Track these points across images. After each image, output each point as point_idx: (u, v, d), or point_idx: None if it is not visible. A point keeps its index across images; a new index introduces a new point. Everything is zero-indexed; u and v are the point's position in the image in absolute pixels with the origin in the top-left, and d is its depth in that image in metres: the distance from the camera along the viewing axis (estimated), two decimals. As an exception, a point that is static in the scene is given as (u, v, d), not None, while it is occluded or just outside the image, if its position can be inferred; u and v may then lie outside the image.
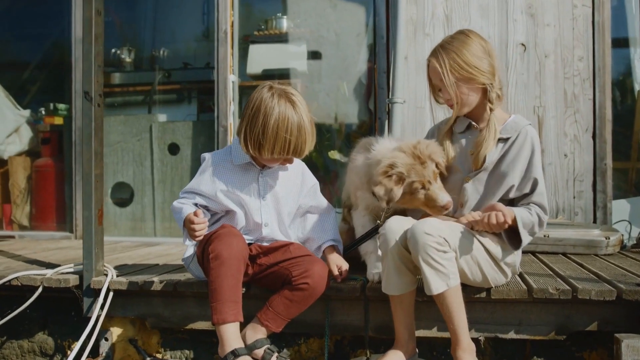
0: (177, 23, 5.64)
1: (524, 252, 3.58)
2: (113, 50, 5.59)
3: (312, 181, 2.95)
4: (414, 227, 2.41)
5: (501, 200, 2.59)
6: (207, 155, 2.79)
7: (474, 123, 2.68)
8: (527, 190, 2.58)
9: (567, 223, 4.05)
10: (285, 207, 2.81)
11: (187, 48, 5.65)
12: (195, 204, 2.72)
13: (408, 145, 2.55)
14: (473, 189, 2.63)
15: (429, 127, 3.15)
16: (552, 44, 4.42)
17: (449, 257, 2.39)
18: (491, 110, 2.62)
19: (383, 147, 2.66)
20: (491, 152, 2.60)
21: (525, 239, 2.52)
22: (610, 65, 4.40)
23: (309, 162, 4.94)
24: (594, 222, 4.35)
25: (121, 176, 5.25)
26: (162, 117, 5.33)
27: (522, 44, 4.46)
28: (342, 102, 5.02)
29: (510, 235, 2.54)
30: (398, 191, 2.51)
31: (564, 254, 3.65)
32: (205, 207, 2.75)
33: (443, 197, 2.51)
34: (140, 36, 5.76)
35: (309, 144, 2.64)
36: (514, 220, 2.47)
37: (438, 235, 2.36)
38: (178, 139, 5.13)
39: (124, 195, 5.28)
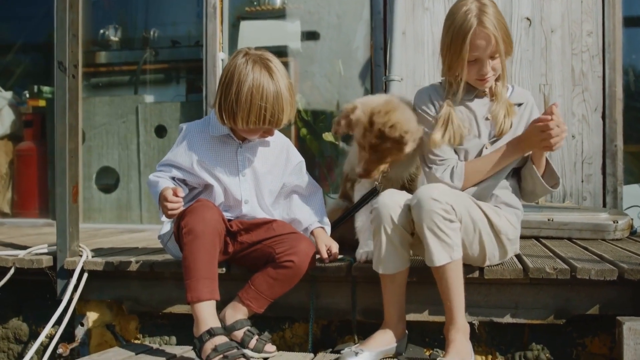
0: (171, 2, 5.62)
1: (526, 237, 3.59)
2: (101, 31, 5.58)
3: (298, 159, 2.92)
4: (420, 193, 2.38)
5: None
6: (184, 126, 2.78)
7: (483, 89, 2.68)
8: None
9: (574, 207, 4.02)
10: (267, 185, 2.79)
11: (179, 27, 5.61)
12: (173, 178, 2.70)
13: (374, 104, 2.61)
14: None
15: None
16: (559, 18, 4.38)
17: (454, 227, 2.36)
18: (499, 79, 2.66)
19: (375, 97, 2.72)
20: (514, 118, 2.66)
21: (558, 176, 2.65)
22: (622, 41, 4.35)
23: (303, 145, 4.97)
24: (604, 207, 4.31)
25: (106, 160, 5.24)
26: (149, 98, 5.32)
27: (527, 18, 4.41)
28: (340, 83, 4.99)
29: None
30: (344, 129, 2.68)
31: (570, 239, 3.61)
32: (183, 181, 2.73)
33: (358, 168, 2.67)
34: (129, 14, 5.74)
35: (288, 113, 2.60)
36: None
37: (445, 202, 2.33)
38: (165, 121, 5.12)
39: (109, 181, 5.27)
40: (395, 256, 2.48)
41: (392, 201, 2.46)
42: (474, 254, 2.53)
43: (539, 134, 2.48)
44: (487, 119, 2.67)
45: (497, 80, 2.66)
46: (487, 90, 2.68)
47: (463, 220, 2.42)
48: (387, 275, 2.52)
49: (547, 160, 2.64)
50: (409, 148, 2.60)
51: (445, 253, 2.34)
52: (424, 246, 2.37)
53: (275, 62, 2.60)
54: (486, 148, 2.65)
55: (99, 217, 5.20)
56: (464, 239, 2.45)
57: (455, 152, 2.66)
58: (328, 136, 4.87)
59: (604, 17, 4.34)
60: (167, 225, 2.79)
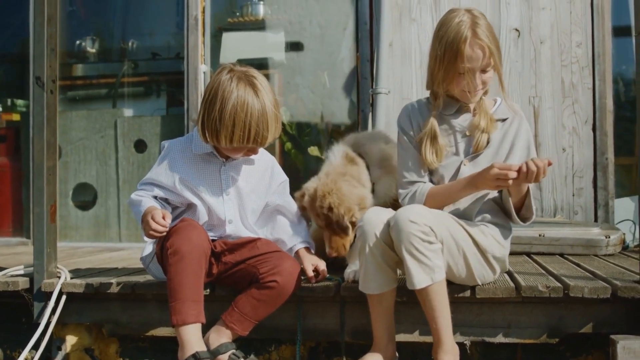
0: (149, 12, 5.63)
1: (517, 254, 3.62)
2: (78, 42, 5.57)
3: (282, 178, 2.93)
4: (398, 214, 2.39)
5: None
6: (166, 143, 2.78)
7: (468, 104, 2.68)
8: None
9: (565, 222, 4.06)
10: (250, 204, 2.79)
11: (158, 38, 5.64)
12: (155, 197, 2.70)
13: (317, 185, 2.73)
14: (471, 172, 2.61)
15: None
16: (548, 29, 4.45)
17: (434, 248, 2.37)
18: (486, 93, 2.68)
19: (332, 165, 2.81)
20: (494, 133, 2.64)
21: (534, 213, 2.60)
22: (611, 52, 4.43)
23: (288, 160, 4.98)
24: (595, 221, 4.36)
25: (83, 176, 5.22)
26: (128, 112, 5.32)
27: (516, 29, 4.48)
28: (324, 95, 5.02)
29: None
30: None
31: (561, 255, 3.65)
32: (166, 200, 2.73)
33: (327, 248, 2.79)
34: (108, 26, 5.74)
35: (273, 131, 2.61)
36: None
37: (424, 224, 2.34)
38: (145, 135, 5.11)
39: (86, 198, 5.24)
40: (380, 275, 2.48)
41: (377, 218, 2.47)
42: (461, 274, 2.55)
43: (494, 180, 2.44)
44: (466, 134, 2.67)
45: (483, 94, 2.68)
46: (471, 105, 2.68)
47: (445, 241, 2.43)
48: (374, 295, 2.53)
49: (528, 191, 2.56)
50: (353, 223, 2.71)
51: (425, 275, 2.35)
52: (404, 269, 2.39)
53: (261, 79, 2.61)
54: (464, 165, 2.64)
55: (76, 235, 5.17)
56: (448, 260, 2.46)
57: (434, 170, 2.68)
58: (314, 150, 4.89)
59: (594, 28, 4.42)
60: (149, 247, 2.78)
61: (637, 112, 2.64)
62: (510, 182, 2.41)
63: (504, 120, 2.68)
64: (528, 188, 2.54)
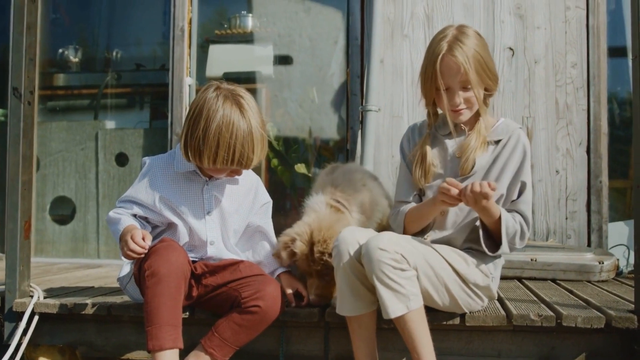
0: (135, 22, 5.59)
1: (508, 278, 3.60)
2: (60, 51, 5.53)
3: (266, 199, 2.92)
4: (368, 242, 2.36)
5: None
6: (147, 160, 2.74)
7: (461, 125, 2.66)
8: (514, 196, 2.57)
9: (558, 246, 4.04)
10: (232, 224, 2.76)
11: (144, 48, 5.61)
12: (134, 215, 2.66)
13: (312, 229, 2.65)
14: None
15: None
16: (543, 48, 4.46)
17: (407, 275, 2.33)
18: (483, 114, 2.63)
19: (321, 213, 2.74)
20: (482, 156, 2.59)
21: (505, 245, 2.47)
22: (606, 73, 4.43)
23: (274, 177, 4.95)
24: (589, 245, 4.34)
25: (62, 190, 5.16)
26: (109, 124, 5.27)
27: (510, 48, 4.48)
28: (313, 111, 4.99)
29: (488, 243, 2.52)
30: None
31: (554, 280, 3.63)
32: (145, 219, 2.69)
33: (311, 295, 2.70)
34: (92, 34, 5.70)
35: (258, 154, 2.57)
36: (497, 222, 2.45)
37: (394, 252, 2.31)
38: (127, 149, 5.07)
39: (64, 212, 5.19)
40: (356, 297, 2.45)
41: (352, 237, 2.44)
42: (445, 302, 2.51)
43: (440, 195, 2.41)
44: (456, 156, 2.64)
45: (480, 115, 2.65)
46: (465, 125, 2.65)
47: (421, 269, 2.39)
48: (352, 318, 2.49)
49: (500, 220, 2.46)
50: None
51: (400, 304, 2.31)
52: (378, 298, 2.34)
53: (248, 99, 2.58)
54: None
55: (53, 251, 5.10)
56: (428, 287, 2.43)
57: (425, 191, 2.66)
58: (300, 167, 4.86)
59: (589, 48, 4.43)
60: (126, 267, 2.74)
61: (633, 135, 2.62)
62: (455, 200, 2.37)
63: (497, 142, 2.63)
64: (500, 218, 2.45)
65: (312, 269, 2.64)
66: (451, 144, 2.67)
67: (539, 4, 4.48)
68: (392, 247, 2.32)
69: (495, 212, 2.44)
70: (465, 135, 2.65)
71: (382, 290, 2.30)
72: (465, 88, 2.53)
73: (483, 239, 2.51)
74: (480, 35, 2.59)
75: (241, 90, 2.60)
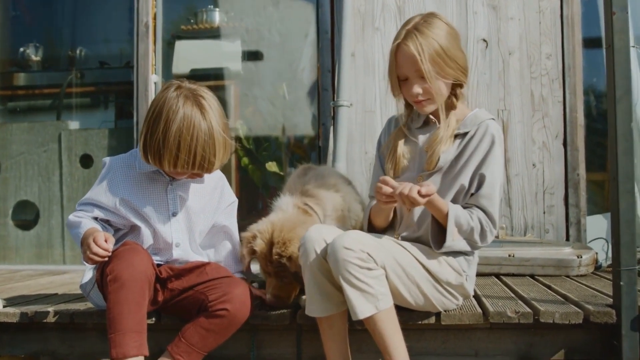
0: (100, 18, 5.52)
1: (486, 275, 3.59)
2: (21, 49, 5.45)
3: (232, 198, 2.88)
4: (333, 241, 2.32)
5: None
6: (107, 160, 2.69)
7: (432, 118, 2.63)
8: (472, 189, 2.52)
9: (535, 241, 4.05)
10: (198, 225, 2.73)
11: (108, 46, 5.56)
12: (95, 218, 2.61)
13: (273, 229, 2.61)
14: None
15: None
16: (517, 39, 4.47)
17: (375, 274, 2.30)
18: (454, 107, 2.60)
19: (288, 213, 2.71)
20: (447, 151, 2.55)
21: (451, 240, 2.42)
22: (582, 64, 4.45)
23: (244, 176, 4.91)
24: (567, 240, 4.36)
25: (24, 194, 5.10)
26: (73, 124, 5.22)
27: (484, 40, 4.49)
28: (285, 107, 4.96)
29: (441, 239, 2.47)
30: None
31: (532, 276, 3.63)
32: (107, 222, 2.64)
33: (268, 295, 2.66)
34: (53, 31, 5.63)
35: (220, 158, 2.53)
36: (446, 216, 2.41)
37: (360, 250, 2.27)
38: (92, 150, 5.01)
39: (27, 217, 5.12)
40: (325, 297, 2.41)
41: (319, 235, 2.40)
42: (418, 302, 2.49)
43: (375, 193, 2.41)
44: (425, 150, 2.60)
45: (452, 108, 2.62)
46: (434, 117, 2.62)
47: (389, 267, 2.36)
48: (322, 319, 2.46)
49: (447, 217, 2.42)
50: None
51: (369, 304, 2.28)
52: (346, 299, 2.31)
53: (210, 99, 2.53)
54: (418, 181, 2.52)
55: (16, 257, 5.02)
56: (399, 286, 2.40)
57: None
58: (272, 166, 4.82)
59: (564, 39, 4.45)
60: (89, 273, 2.69)
61: (609, 127, 2.61)
62: (389, 199, 2.35)
63: (463, 135, 2.57)
64: (447, 214, 2.41)
65: (270, 269, 2.61)
66: (422, 138, 2.64)
67: (512, -6, 4.49)
68: (357, 245, 2.28)
69: (442, 208, 2.41)
70: (436, 128, 2.62)
71: (349, 290, 2.27)
72: (423, 78, 2.49)
73: (431, 234, 2.48)
74: (449, 24, 2.56)
75: (203, 90, 2.56)
